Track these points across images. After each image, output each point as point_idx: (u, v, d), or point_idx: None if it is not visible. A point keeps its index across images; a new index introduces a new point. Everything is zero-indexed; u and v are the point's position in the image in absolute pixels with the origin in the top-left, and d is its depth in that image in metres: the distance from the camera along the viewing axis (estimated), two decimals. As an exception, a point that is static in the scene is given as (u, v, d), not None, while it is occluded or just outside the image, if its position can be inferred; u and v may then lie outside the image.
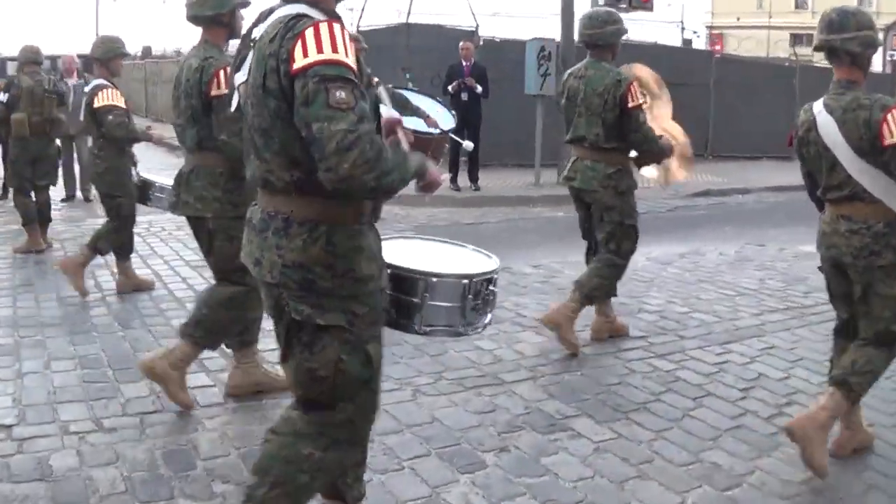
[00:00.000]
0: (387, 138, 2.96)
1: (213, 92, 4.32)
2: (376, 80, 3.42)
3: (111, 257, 7.32)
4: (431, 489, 3.66)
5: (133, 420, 4.34)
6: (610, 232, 5.62)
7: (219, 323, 4.52)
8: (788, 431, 3.82)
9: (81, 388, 4.78)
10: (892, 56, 32.02)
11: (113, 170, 6.93)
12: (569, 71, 5.96)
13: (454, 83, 13.02)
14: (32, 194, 8.72)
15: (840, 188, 3.89)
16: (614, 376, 5.15)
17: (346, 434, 2.81)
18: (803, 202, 4.50)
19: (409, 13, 16.25)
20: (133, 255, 7.36)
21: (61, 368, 5.10)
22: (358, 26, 16.07)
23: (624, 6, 13.00)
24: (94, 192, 11.85)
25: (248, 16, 4.43)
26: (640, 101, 5.48)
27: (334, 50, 2.46)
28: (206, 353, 5.28)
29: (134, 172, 7.02)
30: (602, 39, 5.63)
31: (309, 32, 2.47)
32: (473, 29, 16.71)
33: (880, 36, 3.96)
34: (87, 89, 7.21)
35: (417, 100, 5.72)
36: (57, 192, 11.47)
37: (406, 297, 2.90)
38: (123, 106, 6.88)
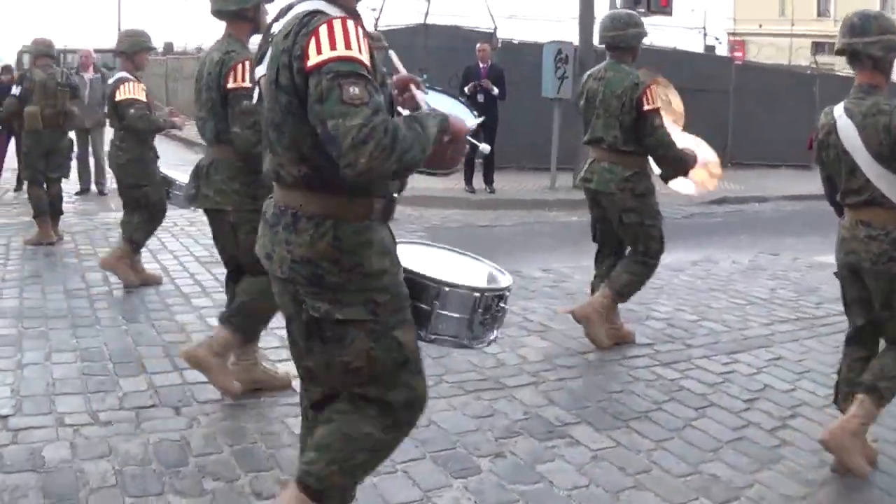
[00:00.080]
0: (401, 97, 2.98)
1: (230, 84, 4.35)
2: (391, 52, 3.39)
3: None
4: (423, 493, 3.62)
5: (129, 414, 4.32)
6: (633, 234, 5.60)
7: (257, 311, 4.51)
8: (824, 444, 3.83)
9: (80, 380, 4.77)
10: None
11: (135, 160, 7.00)
12: (588, 72, 5.93)
13: (470, 84, 12.98)
14: (45, 186, 8.75)
15: (859, 193, 3.84)
16: (617, 384, 5.09)
17: (405, 417, 2.83)
18: (820, 211, 4.45)
19: (427, 14, 16.23)
20: (143, 250, 7.34)
21: (62, 360, 5.09)
22: (376, 26, 16.06)
23: (643, 10, 12.91)
24: (109, 185, 11.95)
25: (272, 11, 4.44)
26: (657, 105, 5.43)
27: (348, 46, 2.46)
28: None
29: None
30: (624, 42, 5.60)
31: (323, 29, 2.47)
32: (491, 31, 16.66)
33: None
34: (109, 82, 7.27)
35: (438, 99, 5.63)
36: (71, 185, 11.54)
37: (416, 302, 2.88)
38: (144, 99, 6.93)
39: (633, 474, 3.87)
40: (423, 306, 2.89)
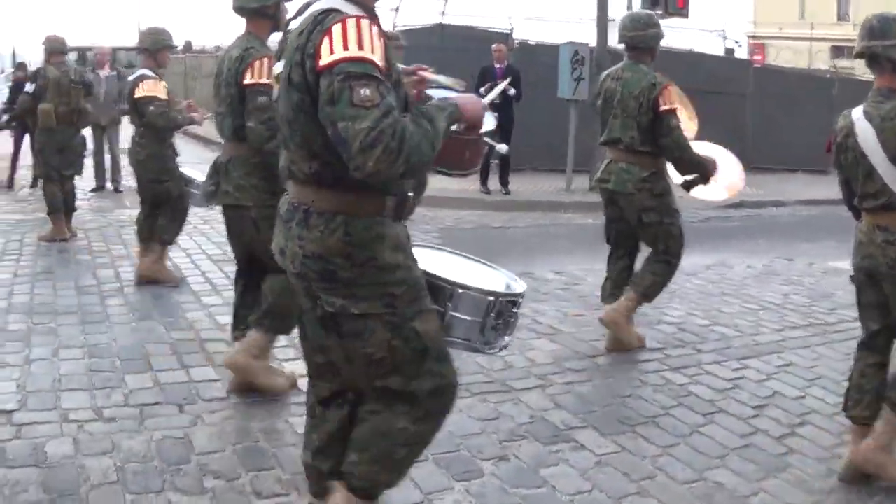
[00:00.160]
0: (407, 77, 2.99)
1: (246, 80, 4.36)
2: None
3: (135, 249, 7.35)
4: (424, 495, 3.60)
5: (133, 411, 4.33)
6: (653, 233, 5.57)
7: (285, 309, 4.48)
8: (856, 466, 3.83)
9: (87, 376, 4.78)
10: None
11: (155, 156, 7.02)
12: (606, 72, 5.90)
13: (486, 85, 12.91)
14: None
15: (876, 197, 3.79)
16: (625, 388, 5.05)
17: (435, 406, 2.83)
18: (837, 216, 4.41)
19: (443, 14, 16.22)
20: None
21: (70, 357, 5.10)
22: (394, 25, 16.05)
23: (660, 12, 12.82)
24: (124, 182, 12.00)
25: (291, 9, 4.45)
26: (673, 106, 5.38)
27: (360, 47, 2.46)
28: (213, 348, 5.32)
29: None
30: (643, 42, 5.58)
31: (336, 29, 2.47)
32: (507, 31, 16.61)
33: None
34: (129, 79, 7.28)
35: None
36: (87, 182, 11.60)
37: None
38: (164, 97, 6.95)
39: (637, 480, 3.84)
40: (437, 308, 2.88)
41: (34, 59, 16.51)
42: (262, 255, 4.53)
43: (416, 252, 2.88)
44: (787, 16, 38.31)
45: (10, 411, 4.23)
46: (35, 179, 11.42)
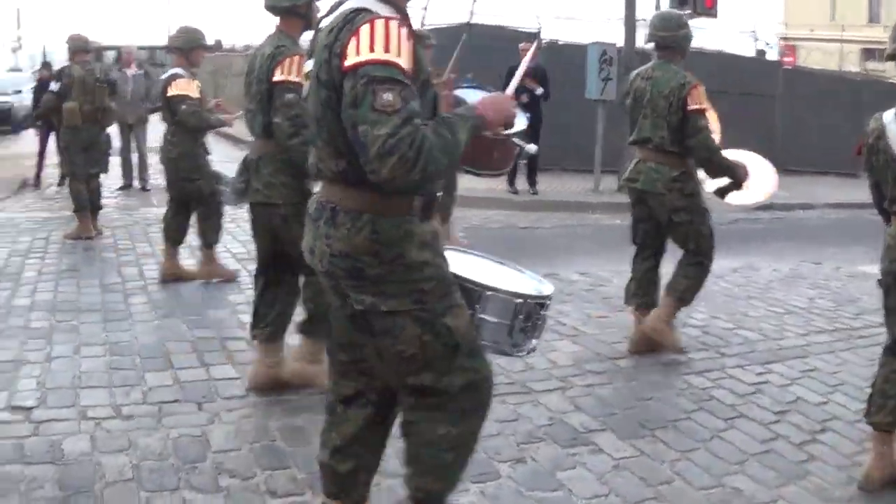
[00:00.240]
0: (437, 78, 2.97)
1: (276, 77, 4.36)
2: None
3: (160, 247, 7.38)
4: (439, 497, 3.57)
5: (151, 408, 4.34)
6: (683, 233, 5.52)
7: (326, 312, 4.52)
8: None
9: (107, 374, 4.81)
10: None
11: (186, 155, 7.04)
12: (635, 71, 5.86)
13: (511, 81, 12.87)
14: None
15: None
16: (647, 391, 5.00)
17: (469, 403, 2.81)
18: (866, 220, 4.35)
19: (471, 13, 16.16)
20: (181, 246, 7.37)
21: (90, 354, 5.13)
22: (423, 24, 16.03)
23: (689, 11, 12.73)
24: (150, 181, 12.08)
25: (323, 8, 4.47)
26: (702, 106, 5.33)
27: (386, 49, 2.45)
28: (234, 346, 5.34)
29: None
30: (675, 42, 5.55)
31: (364, 29, 2.47)
32: (535, 31, 16.54)
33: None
34: (161, 77, 7.31)
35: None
36: (114, 181, 11.69)
37: None
38: (197, 95, 6.97)
39: (654, 485, 3.80)
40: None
41: (64, 58, 16.67)
42: (290, 253, 4.53)
43: (446, 254, 2.86)
44: (817, 17, 37.98)
45: (30, 408, 4.26)
46: (62, 178, 11.52)
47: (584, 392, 4.92)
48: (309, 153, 2.85)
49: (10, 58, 46.19)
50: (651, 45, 5.77)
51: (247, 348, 5.19)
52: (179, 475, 3.65)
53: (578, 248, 9.72)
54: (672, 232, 5.60)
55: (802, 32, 38.25)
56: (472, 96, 5.67)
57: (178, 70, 7.05)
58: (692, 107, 5.29)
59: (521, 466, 3.91)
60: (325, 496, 3.10)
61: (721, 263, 8.45)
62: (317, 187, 2.87)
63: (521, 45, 13.42)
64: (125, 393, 4.52)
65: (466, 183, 9.28)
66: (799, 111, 19.14)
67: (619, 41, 14.30)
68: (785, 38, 38.28)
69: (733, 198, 5.67)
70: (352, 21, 2.51)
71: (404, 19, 2.62)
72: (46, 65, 13.51)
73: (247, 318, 5.68)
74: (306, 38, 3.44)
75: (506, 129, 2.91)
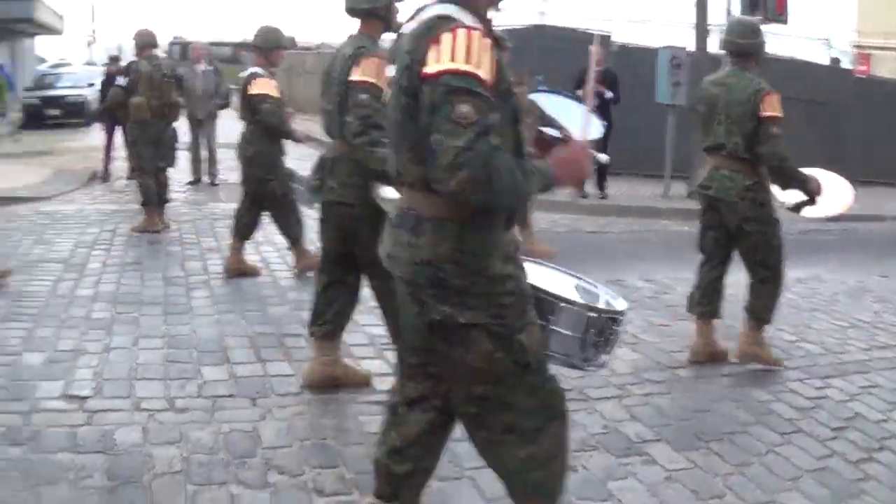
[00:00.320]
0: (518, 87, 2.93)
1: (352, 77, 4.34)
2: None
3: (226, 242, 7.46)
4: (487, 501, 3.55)
5: (205, 402, 4.38)
6: (753, 243, 5.42)
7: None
8: None
9: (163, 366, 4.87)
10: None
11: (262, 154, 7.07)
12: (708, 78, 5.76)
13: (581, 88, 12.80)
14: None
15: None
16: (704, 402, 4.90)
17: (539, 420, 2.76)
18: (938, 234, 4.18)
19: (542, 14, 16.12)
20: (246, 241, 7.43)
21: (149, 346, 5.21)
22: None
23: (761, 17, 12.51)
24: (220, 177, 12.25)
25: (404, 11, 4.47)
26: (775, 114, 5.21)
27: (467, 60, 2.44)
28: (292, 343, 5.36)
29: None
30: (753, 49, 5.45)
31: (446, 38, 2.46)
32: (606, 33, 16.42)
33: None
34: (241, 75, 7.35)
35: (561, 105, 5.44)
36: (183, 175, 11.86)
37: None
38: (277, 95, 7.00)
39: (705, 499, 3.71)
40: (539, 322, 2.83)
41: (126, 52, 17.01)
42: (359, 254, 4.53)
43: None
44: (892, 25, 37.00)
45: (84, 397, 4.33)
46: (131, 171, 11.72)
47: (641, 401, 4.84)
48: (374, 154, 2.83)
49: (85, 52, 47.30)
50: (725, 52, 5.67)
51: (304, 345, 5.20)
52: (228, 469, 3.67)
53: (645, 255, 9.58)
54: (741, 241, 5.49)
55: (876, 41, 37.30)
56: (546, 102, 5.58)
57: (258, 69, 7.09)
58: (765, 114, 5.19)
59: (572, 474, 3.80)
60: (374, 497, 3.07)
61: (787, 274, 8.26)
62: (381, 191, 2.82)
63: (591, 48, 13.31)
64: (180, 386, 4.57)
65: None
66: (870, 121, 18.69)
67: (689, 45, 14.10)
68: (858, 47, 37.41)
69: (809, 211, 5.55)
70: (433, 28, 2.50)
71: (487, 28, 2.59)
72: (114, 59, 13.74)
73: (306, 316, 5.72)
74: (387, 39, 3.42)
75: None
